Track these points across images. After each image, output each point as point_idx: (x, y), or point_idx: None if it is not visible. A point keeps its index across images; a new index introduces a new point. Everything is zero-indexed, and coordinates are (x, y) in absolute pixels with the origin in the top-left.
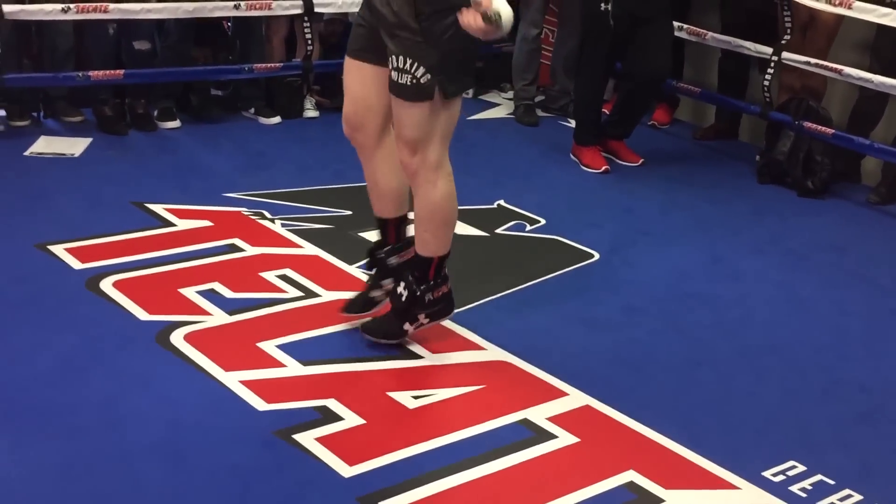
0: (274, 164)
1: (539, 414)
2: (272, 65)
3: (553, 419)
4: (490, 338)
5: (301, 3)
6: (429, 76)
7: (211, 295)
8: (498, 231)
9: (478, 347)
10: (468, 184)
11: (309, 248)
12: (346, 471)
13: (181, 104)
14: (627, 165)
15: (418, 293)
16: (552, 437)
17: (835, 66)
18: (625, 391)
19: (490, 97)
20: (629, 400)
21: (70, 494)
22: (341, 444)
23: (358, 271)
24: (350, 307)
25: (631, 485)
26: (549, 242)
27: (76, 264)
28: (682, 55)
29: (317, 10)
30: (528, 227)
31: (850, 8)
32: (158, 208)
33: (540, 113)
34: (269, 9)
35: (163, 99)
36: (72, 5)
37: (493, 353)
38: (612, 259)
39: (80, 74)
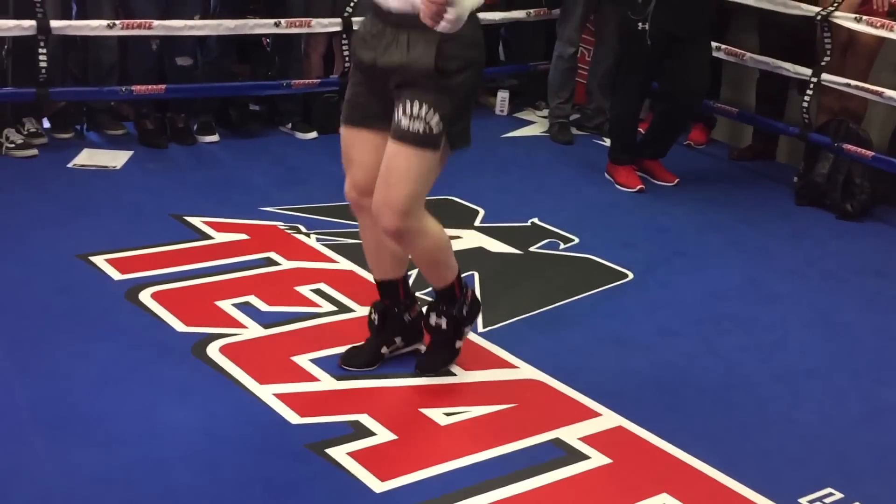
0: (310, 179)
1: (571, 434)
2: (310, 81)
3: (585, 439)
4: (523, 356)
5: (340, 20)
6: (441, 125)
7: (247, 308)
8: (531, 249)
9: (510, 366)
10: (502, 201)
11: (344, 263)
12: (377, 486)
13: (220, 118)
14: (663, 185)
15: (456, 314)
16: (584, 457)
17: (875, 87)
18: (659, 413)
19: (525, 115)
20: (663, 422)
21: (106, 503)
22: (373, 459)
23: None
24: (353, 361)
25: None
26: (583, 261)
27: (116, 275)
28: (719, 75)
29: (355, 27)
30: (562, 246)
31: (891, 30)
32: (196, 221)
33: (575, 131)
34: (309, 26)
35: (202, 113)
36: (117, 21)
37: (525, 371)
38: (647, 279)
39: (124, 89)
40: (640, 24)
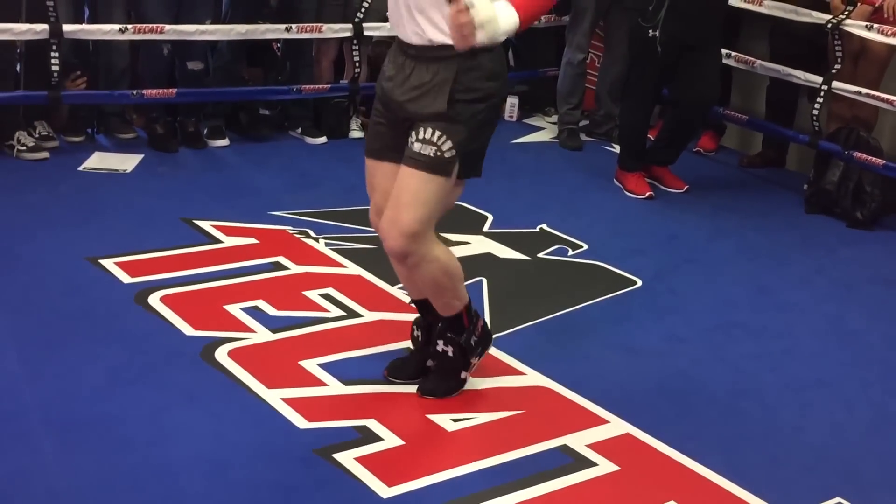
0: (319, 184)
1: (579, 441)
2: (320, 86)
3: (593, 446)
4: (530, 363)
5: (350, 26)
6: (453, 152)
7: (255, 312)
8: (540, 255)
9: (518, 372)
10: (511, 207)
11: (352, 268)
12: (384, 491)
13: (230, 123)
14: (672, 192)
15: (464, 343)
16: (592, 464)
17: (886, 96)
18: (667, 421)
19: (534, 121)
20: (671, 430)
21: None
22: (380, 465)
23: (400, 292)
24: (398, 373)
25: None
26: (592, 268)
27: (125, 278)
28: (729, 82)
29: (366, 33)
30: (571, 252)
31: None
32: (206, 225)
33: (584, 138)
34: (320, 31)
35: (213, 117)
36: (129, 26)
37: (533, 378)
38: (656, 286)
39: (135, 92)
40: (650, 31)
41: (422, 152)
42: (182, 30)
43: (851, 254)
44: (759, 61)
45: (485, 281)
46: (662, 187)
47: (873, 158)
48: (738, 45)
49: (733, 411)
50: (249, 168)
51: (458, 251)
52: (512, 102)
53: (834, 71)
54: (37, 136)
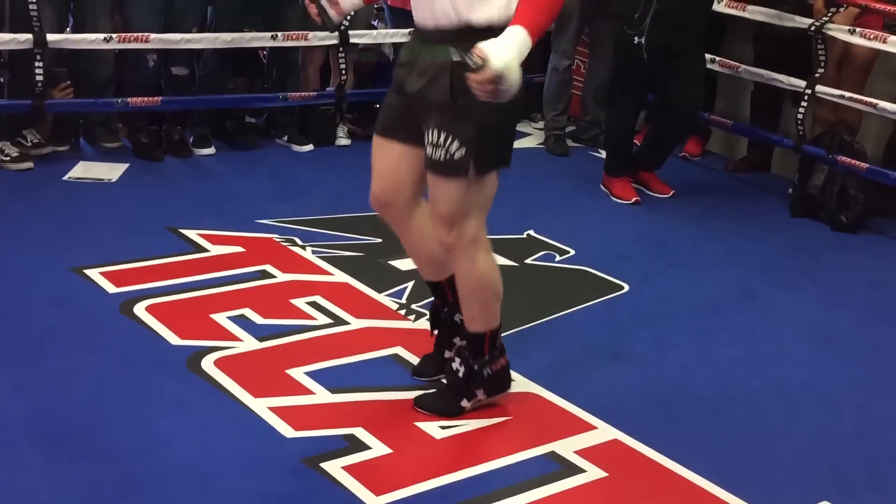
0: (306, 192)
1: (567, 447)
2: (306, 93)
3: (581, 453)
4: (518, 369)
5: (336, 34)
6: (463, 151)
7: (241, 321)
8: (527, 261)
9: None
10: (498, 213)
11: (339, 276)
12: (372, 500)
13: (216, 131)
14: (658, 197)
15: (476, 368)
16: (580, 470)
17: (869, 99)
18: (654, 426)
19: (521, 127)
20: (659, 435)
21: None
22: (368, 474)
23: (387, 300)
24: (424, 371)
25: None
26: (579, 273)
27: (111, 288)
28: (714, 87)
29: (352, 41)
30: (558, 258)
31: (884, 42)
32: (192, 234)
33: (570, 143)
34: (306, 39)
35: (198, 125)
36: (113, 35)
37: (520, 384)
38: (643, 291)
39: (120, 101)
40: (636, 38)
41: (433, 157)
42: (167, 39)
43: (836, 257)
44: (743, 66)
45: None
46: (649, 192)
47: (857, 162)
48: (722, 49)
49: (720, 415)
50: (236, 176)
51: None
52: None
53: (818, 75)
54: (28, 144)
